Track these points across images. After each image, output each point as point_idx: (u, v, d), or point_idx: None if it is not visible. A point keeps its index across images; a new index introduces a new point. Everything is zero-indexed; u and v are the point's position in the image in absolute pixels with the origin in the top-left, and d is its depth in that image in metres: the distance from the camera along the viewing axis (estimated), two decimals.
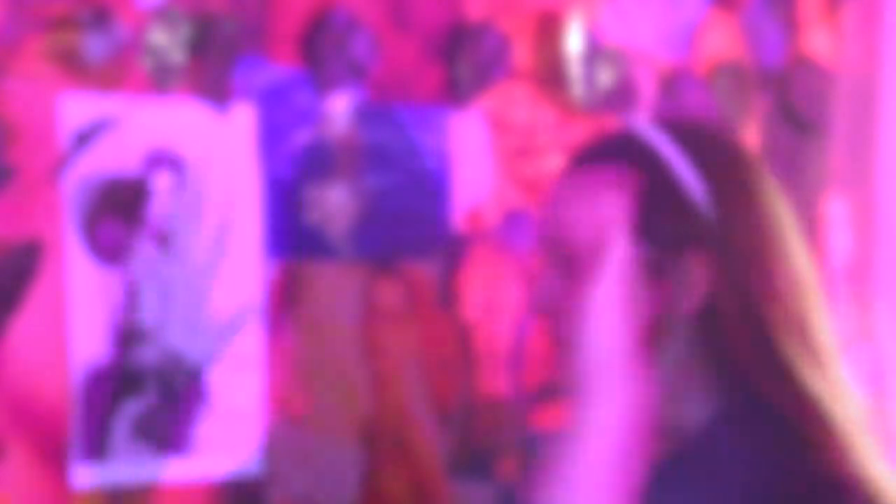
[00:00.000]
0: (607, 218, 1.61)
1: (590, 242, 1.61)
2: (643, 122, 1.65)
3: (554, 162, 2.24)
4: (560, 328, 1.64)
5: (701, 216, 1.60)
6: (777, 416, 1.56)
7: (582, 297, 1.61)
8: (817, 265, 1.67)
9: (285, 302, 2.01)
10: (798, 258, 1.64)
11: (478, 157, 2.19)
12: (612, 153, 1.65)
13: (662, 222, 1.60)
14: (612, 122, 2.31)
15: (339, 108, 2.07)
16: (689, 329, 1.60)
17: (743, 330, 1.59)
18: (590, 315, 1.60)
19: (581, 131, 2.28)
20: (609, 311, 1.60)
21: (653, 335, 1.59)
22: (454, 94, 2.16)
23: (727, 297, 1.59)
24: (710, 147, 1.65)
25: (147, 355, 1.88)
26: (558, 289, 1.64)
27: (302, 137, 2.03)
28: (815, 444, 1.55)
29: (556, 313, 1.64)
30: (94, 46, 1.83)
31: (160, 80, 1.87)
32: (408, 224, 2.12)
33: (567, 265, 1.64)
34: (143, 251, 1.88)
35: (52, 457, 1.82)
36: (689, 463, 1.59)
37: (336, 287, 2.06)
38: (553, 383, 1.65)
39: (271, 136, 2.01)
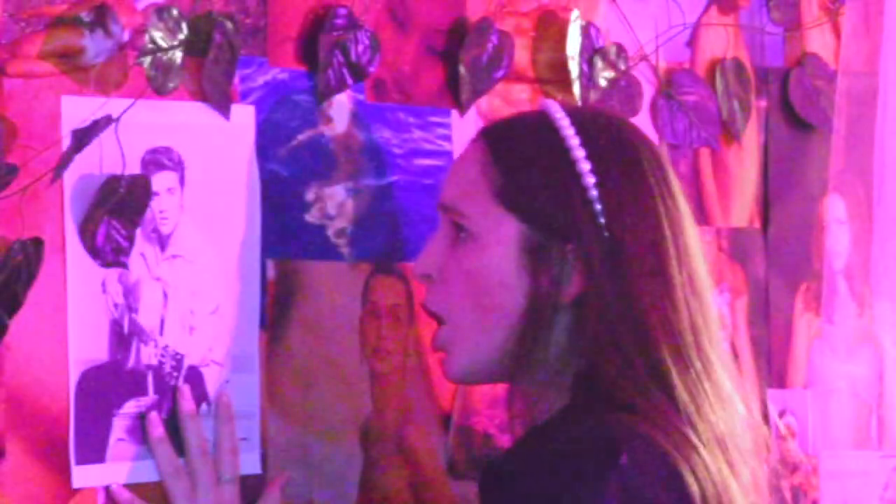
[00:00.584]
0: (473, 185, 1.64)
1: (457, 204, 1.64)
2: (556, 107, 1.67)
3: None
4: (439, 293, 1.66)
5: (590, 209, 1.61)
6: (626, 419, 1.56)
7: (459, 262, 1.64)
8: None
9: (285, 302, 2.01)
10: (686, 261, 1.64)
11: None
12: (515, 129, 1.69)
13: (552, 209, 1.61)
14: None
15: (339, 108, 2.07)
16: (565, 319, 1.61)
17: (613, 328, 1.59)
18: (464, 282, 1.63)
19: None
20: (485, 281, 1.62)
21: (528, 319, 1.61)
22: (454, 94, 2.16)
23: (603, 293, 1.59)
24: (609, 140, 1.66)
25: (147, 355, 1.88)
26: (442, 254, 1.68)
27: (302, 137, 2.03)
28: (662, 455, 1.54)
29: (438, 278, 1.69)
30: (94, 46, 1.83)
31: (160, 80, 1.87)
32: (408, 224, 2.12)
33: (452, 230, 1.67)
34: (143, 251, 1.88)
35: (52, 457, 1.82)
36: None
37: (336, 287, 2.05)
38: None
39: (271, 136, 2.00)
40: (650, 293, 1.60)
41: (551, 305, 1.61)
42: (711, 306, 1.66)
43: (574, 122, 1.65)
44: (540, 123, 1.68)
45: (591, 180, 1.62)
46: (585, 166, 1.62)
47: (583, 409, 1.59)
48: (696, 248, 1.66)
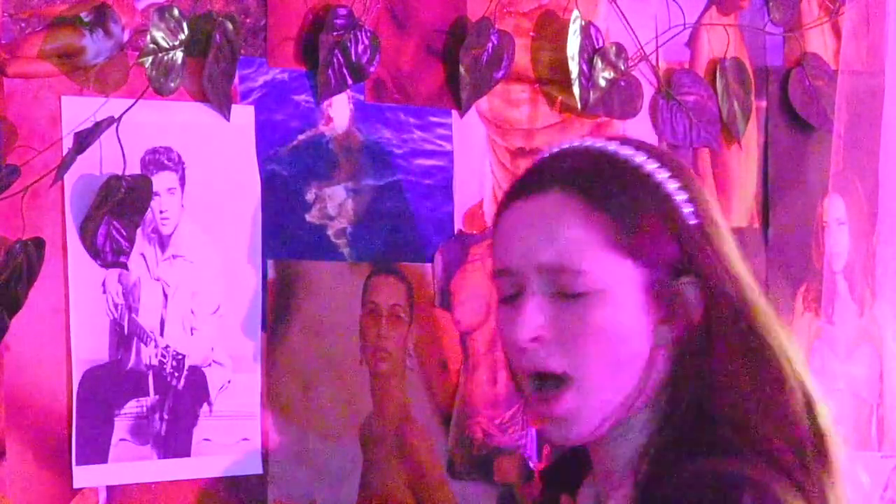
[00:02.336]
0: (578, 240, 1.58)
1: (567, 265, 1.57)
2: (619, 144, 1.63)
3: None
4: (556, 353, 1.58)
5: (693, 239, 1.58)
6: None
7: (586, 321, 1.57)
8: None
9: (285, 302, 2.01)
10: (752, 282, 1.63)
11: (478, 157, 2.19)
12: (599, 173, 1.63)
13: (665, 245, 1.58)
14: (609, 128, 2.31)
15: (339, 108, 2.07)
16: (676, 353, 1.59)
17: (738, 356, 1.57)
18: (597, 340, 1.57)
19: (581, 131, 2.28)
20: (619, 335, 1.57)
21: (651, 358, 1.58)
22: (454, 94, 2.16)
23: (724, 321, 1.58)
24: (688, 172, 1.64)
25: (147, 355, 1.88)
26: (549, 318, 1.57)
27: (302, 137, 2.03)
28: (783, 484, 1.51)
29: (550, 341, 1.57)
30: (94, 46, 1.83)
31: (161, 81, 1.87)
32: (408, 224, 2.12)
33: (557, 294, 1.58)
34: (144, 251, 1.88)
35: (52, 457, 1.82)
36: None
37: (336, 287, 2.05)
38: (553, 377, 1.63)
39: (271, 136, 2.01)
40: (762, 325, 1.58)
41: (659, 342, 1.57)
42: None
43: (651, 157, 1.61)
44: (621, 166, 1.60)
45: (688, 209, 1.59)
46: (681, 196, 1.59)
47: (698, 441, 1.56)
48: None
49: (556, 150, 1.63)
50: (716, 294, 1.57)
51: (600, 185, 1.58)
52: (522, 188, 1.61)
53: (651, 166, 1.59)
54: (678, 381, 1.57)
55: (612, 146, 1.62)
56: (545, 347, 1.57)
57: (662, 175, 1.59)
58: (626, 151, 1.61)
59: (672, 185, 1.59)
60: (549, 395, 1.58)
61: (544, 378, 1.57)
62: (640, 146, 1.63)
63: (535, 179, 1.60)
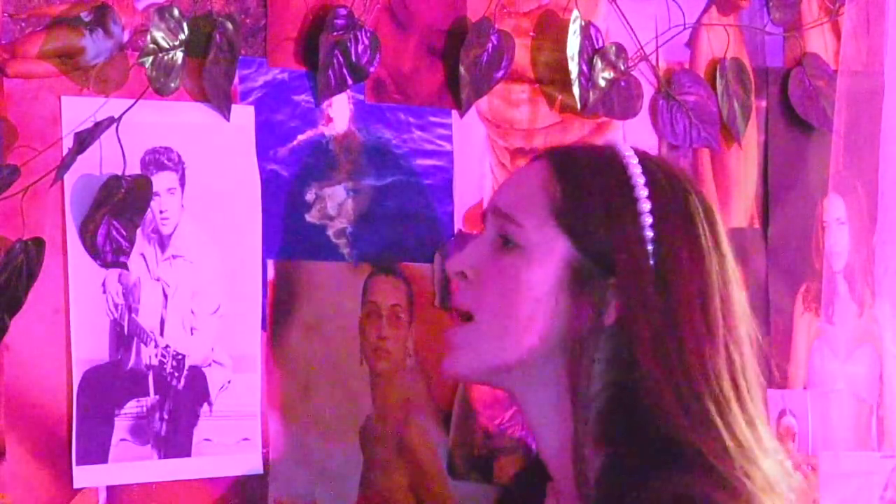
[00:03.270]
0: (530, 198, 1.64)
1: (512, 215, 1.64)
2: (625, 145, 1.69)
3: None
4: (471, 293, 1.66)
5: (643, 248, 1.61)
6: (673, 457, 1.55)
7: (505, 271, 1.63)
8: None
9: (285, 302, 2.01)
10: (730, 315, 1.64)
11: (478, 157, 2.19)
12: (581, 155, 1.69)
13: (606, 240, 1.62)
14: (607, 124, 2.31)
15: (339, 108, 2.07)
16: (606, 348, 1.61)
17: (655, 358, 1.59)
18: (505, 291, 1.63)
19: (581, 131, 2.28)
20: (527, 295, 1.62)
21: (572, 345, 1.61)
22: (454, 94, 2.16)
23: (645, 329, 1.59)
24: (670, 187, 1.67)
25: (147, 355, 1.88)
26: (483, 257, 1.67)
27: (302, 137, 2.03)
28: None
29: (473, 279, 1.67)
30: (94, 46, 1.83)
31: (161, 81, 1.87)
32: (408, 224, 2.12)
33: (498, 237, 1.66)
34: (144, 251, 1.88)
35: (52, 457, 1.82)
36: None
37: (336, 287, 2.05)
38: None
39: (271, 136, 2.00)
40: (694, 339, 1.60)
41: (593, 330, 1.61)
42: (752, 361, 1.66)
43: (641, 162, 1.66)
44: (607, 155, 1.68)
45: (648, 220, 1.62)
46: (646, 206, 1.62)
47: (647, 455, 1.57)
48: (740, 306, 1.67)
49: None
50: (636, 306, 1.59)
51: (573, 162, 1.67)
52: (533, 156, 1.76)
53: (635, 169, 1.65)
54: (590, 373, 1.62)
55: (623, 145, 1.70)
56: (465, 285, 1.68)
57: (640, 180, 1.63)
58: (626, 152, 1.68)
59: (643, 192, 1.62)
60: (454, 328, 1.70)
61: (460, 314, 1.69)
62: (642, 154, 1.70)
63: (543, 150, 1.76)
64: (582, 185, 1.65)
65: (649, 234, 1.62)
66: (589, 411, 1.61)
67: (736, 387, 1.62)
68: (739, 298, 1.68)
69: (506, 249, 1.66)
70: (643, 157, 1.68)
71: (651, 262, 1.62)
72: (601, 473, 1.58)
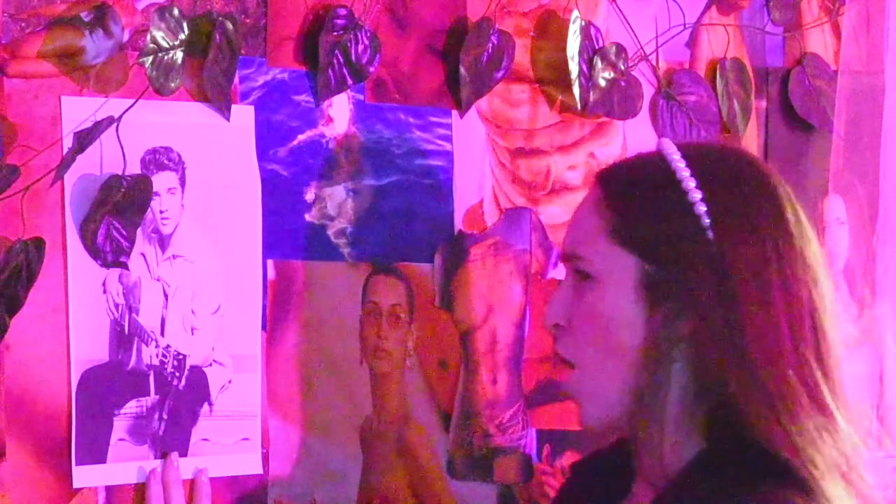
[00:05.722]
0: (589, 229, 1.62)
1: (576, 250, 1.62)
2: (669, 143, 1.65)
3: (554, 162, 2.24)
4: (565, 341, 1.64)
5: (703, 239, 1.59)
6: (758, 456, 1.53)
7: (583, 307, 1.61)
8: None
9: (285, 302, 2.01)
10: (801, 286, 1.61)
11: (478, 157, 2.19)
12: (628, 169, 1.67)
13: (665, 241, 1.59)
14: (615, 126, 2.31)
15: (339, 108, 2.07)
16: (686, 355, 1.59)
17: (727, 360, 1.57)
18: (590, 326, 1.60)
19: (581, 131, 2.28)
20: (608, 322, 1.59)
21: (646, 355, 1.59)
22: (454, 94, 2.16)
23: (713, 327, 1.57)
24: (721, 171, 1.63)
25: (148, 355, 1.88)
26: (568, 302, 1.64)
27: (302, 137, 2.03)
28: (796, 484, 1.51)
29: (564, 326, 1.64)
30: (94, 46, 1.83)
31: (161, 81, 1.87)
32: (408, 224, 2.12)
33: (575, 278, 1.64)
34: (144, 251, 1.88)
35: (52, 457, 1.82)
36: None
37: (336, 287, 2.05)
38: (552, 384, 1.64)
39: (271, 136, 2.01)
40: (756, 327, 1.56)
41: (667, 340, 1.58)
42: (830, 344, 1.62)
43: (685, 156, 1.62)
44: (653, 160, 1.65)
45: (702, 208, 1.60)
46: (696, 195, 1.60)
47: (729, 462, 1.55)
48: (827, 298, 1.62)
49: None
50: (703, 301, 1.57)
51: (620, 179, 1.65)
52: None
53: (679, 164, 1.62)
54: (688, 386, 1.59)
55: (668, 145, 1.66)
56: (561, 333, 1.65)
57: (685, 173, 1.61)
58: (669, 149, 1.65)
59: (691, 183, 1.60)
60: (562, 376, 1.66)
61: (563, 362, 1.65)
62: (689, 146, 1.66)
63: (595, 176, 1.70)
64: (633, 200, 1.62)
65: (707, 221, 1.58)
66: (664, 413, 1.59)
67: (818, 394, 1.56)
68: (826, 288, 1.62)
69: (584, 286, 1.63)
70: (689, 149, 1.65)
71: (713, 250, 1.57)
72: (689, 474, 1.56)
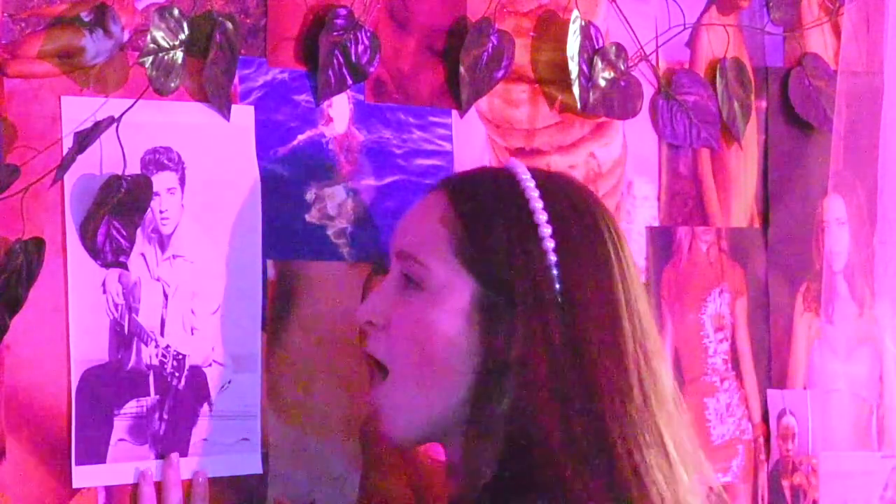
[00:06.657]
0: (434, 237, 1.61)
1: (417, 254, 1.61)
2: (521, 167, 1.66)
3: (554, 162, 2.24)
4: (383, 341, 1.63)
5: (548, 274, 1.58)
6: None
7: (413, 315, 1.60)
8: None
9: (285, 302, 2.01)
10: (640, 332, 1.59)
11: (478, 157, 2.19)
12: (479, 184, 1.66)
13: (510, 271, 1.58)
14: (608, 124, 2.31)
15: (339, 108, 2.07)
16: (510, 382, 1.57)
17: (561, 395, 1.54)
18: (415, 336, 1.59)
19: (581, 131, 2.28)
20: (437, 337, 1.58)
21: (478, 380, 1.57)
22: (454, 94, 2.16)
23: (553, 359, 1.55)
24: (570, 205, 1.63)
25: (148, 355, 1.88)
26: (391, 302, 1.63)
27: (302, 137, 2.03)
28: None
29: (383, 326, 1.63)
30: (94, 46, 1.83)
31: (161, 80, 1.87)
32: None
33: (403, 279, 1.63)
34: (144, 251, 1.88)
35: (53, 457, 1.82)
36: None
37: (336, 287, 2.05)
38: None
39: (271, 136, 2.01)
40: (602, 362, 1.55)
41: (500, 366, 1.56)
42: (664, 377, 1.61)
43: (538, 185, 1.62)
44: (504, 181, 1.64)
45: (551, 245, 1.58)
46: (547, 230, 1.58)
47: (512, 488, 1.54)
48: (648, 321, 1.62)
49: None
50: (542, 334, 1.55)
51: (471, 194, 1.63)
52: (430, 187, 1.71)
53: (532, 193, 1.61)
54: (499, 415, 1.56)
55: (520, 168, 1.65)
56: (376, 333, 1.65)
57: (538, 204, 1.60)
58: (523, 175, 1.64)
59: (543, 217, 1.59)
60: (373, 383, 1.67)
61: (374, 363, 1.66)
62: (540, 173, 1.66)
63: (439, 180, 1.71)
64: (481, 217, 1.61)
65: (552, 258, 1.58)
66: (482, 440, 1.56)
67: (646, 408, 1.56)
68: (648, 316, 1.63)
69: (412, 291, 1.62)
70: (542, 178, 1.65)
71: (556, 287, 1.57)
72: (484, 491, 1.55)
